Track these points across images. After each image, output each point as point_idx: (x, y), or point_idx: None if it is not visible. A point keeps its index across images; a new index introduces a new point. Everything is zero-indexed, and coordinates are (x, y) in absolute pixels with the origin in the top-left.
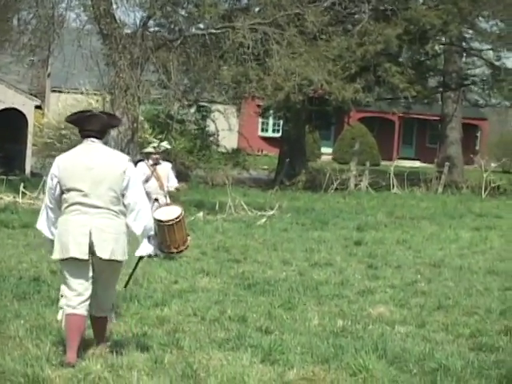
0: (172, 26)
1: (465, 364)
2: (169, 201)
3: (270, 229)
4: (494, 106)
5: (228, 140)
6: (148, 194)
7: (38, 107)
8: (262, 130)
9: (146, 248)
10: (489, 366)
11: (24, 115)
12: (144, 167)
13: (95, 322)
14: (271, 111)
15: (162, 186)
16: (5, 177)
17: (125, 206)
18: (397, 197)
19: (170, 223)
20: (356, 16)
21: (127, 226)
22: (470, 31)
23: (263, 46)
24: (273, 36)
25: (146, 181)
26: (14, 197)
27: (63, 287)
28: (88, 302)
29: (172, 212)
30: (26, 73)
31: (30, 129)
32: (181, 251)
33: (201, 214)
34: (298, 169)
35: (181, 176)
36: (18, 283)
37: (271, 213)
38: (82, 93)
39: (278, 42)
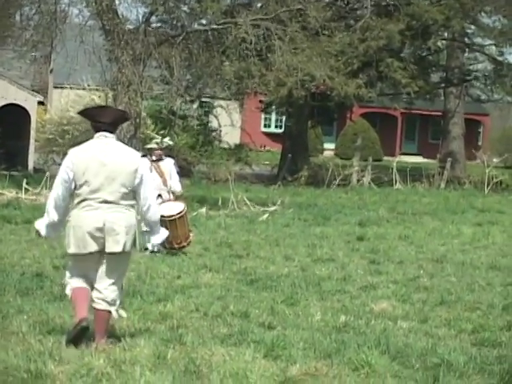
0: (174, 22)
1: (467, 359)
2: (172, 197)
3: (272, 224)
4: (497, 101)
5: (230, 136)
6: None
7: (40, 103)
8: (265, 125)
9: (159, 237)
10: (491, 361)
11: (26, 111)
12: (147, 163)
13: (98, 315)
14: (273, 107)
15: (164, 182)
16: (7, 173)
17: (135, 200)
18: (399, 192)
19: (172, 218)
20: (358, 11)
21: (136, 219)
22: (473, 26)
23: (265, 41)
24: (275, 31)
25: None
26: (17, 192)
27: (71, 272)
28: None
29: (174, 207)
30: (29, 69)
31: (33, 125)
32: (183, 247)
33: (203, 209)
34: (300, 164)
35: (183, 172)
36: (21, 279)
37: (273, 208)
38: (84, 88)
39: (281, 37)
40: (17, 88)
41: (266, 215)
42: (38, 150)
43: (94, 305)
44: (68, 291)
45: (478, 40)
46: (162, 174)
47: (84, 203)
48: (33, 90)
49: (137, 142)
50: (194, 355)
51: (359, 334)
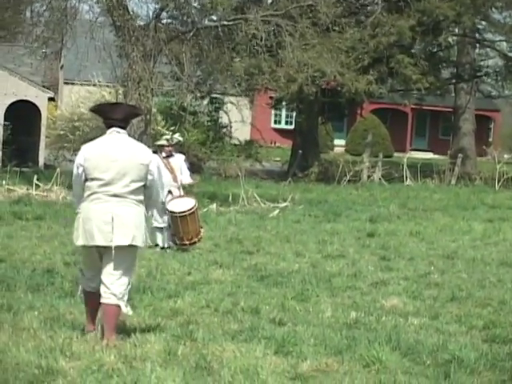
0: (185, 18)
1: (478, 356)
2: (182, 193)
3: (282, 220)
4: (507, 97)
5: (241, 132)
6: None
7: (51, 99)
8: (275, 121)
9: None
10: (502, 357)
11: (37, 107)
12: (157, 159)
13: (107, 310)
14: (284, 103)
15: (175, 179)
16: (18, 169)
17: (144, 194)
18: (410, 188)
19: (183, 215)
20: (369, 7)
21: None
22: (484, 22)
23: (276, 37)
24: (285, 28)
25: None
26: (28, 189)
27: (83, 266)
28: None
29: (185, 204)
30: (39, 65)
31: (43, 121)
32: (194, 243)
33: (214, 205)
34: (310, 161)
35: (194, 168)
36: (32, 275)
37: (284, 205)
38: (94, 85)
39: (291, 33)
40: (27, 84)
41: (276, 211)
42: (48, 146)
43: (103, 300)
44: (79, 293)
45: (489, 36)
46: (172, 171)
47: (94, 196)
48: (43, 87)
49: (147, 138)
50: (205, 351)
51: (370, 330)
